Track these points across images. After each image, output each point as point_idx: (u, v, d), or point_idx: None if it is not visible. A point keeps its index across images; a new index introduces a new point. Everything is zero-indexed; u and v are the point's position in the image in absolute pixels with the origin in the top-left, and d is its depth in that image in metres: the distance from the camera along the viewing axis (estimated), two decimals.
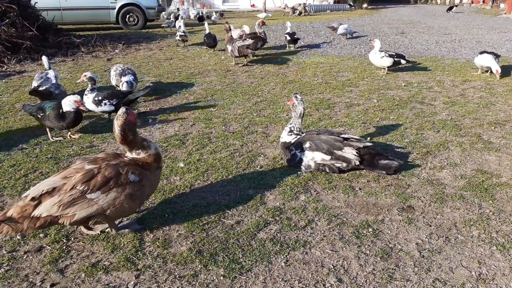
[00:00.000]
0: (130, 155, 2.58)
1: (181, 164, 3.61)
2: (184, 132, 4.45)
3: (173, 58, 9.05)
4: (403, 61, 6.91)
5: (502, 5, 23.20)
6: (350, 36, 11.76)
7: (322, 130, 3.67)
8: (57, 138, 4.28)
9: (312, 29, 14.17)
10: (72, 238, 2.60)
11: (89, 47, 10.10)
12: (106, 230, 2.64)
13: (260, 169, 3.55)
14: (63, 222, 2.29)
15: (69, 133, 4.36)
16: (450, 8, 22.01)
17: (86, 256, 2.44)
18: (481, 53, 6.73)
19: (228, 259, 2.37)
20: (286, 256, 2.42)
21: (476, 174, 3.37)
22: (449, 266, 2.31)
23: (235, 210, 2.91)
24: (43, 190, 2.25)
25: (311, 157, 3.42)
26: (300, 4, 21.89)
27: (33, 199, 2.25)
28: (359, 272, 2.27)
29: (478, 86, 6.16)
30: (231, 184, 3.28)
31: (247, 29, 10.06)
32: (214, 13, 18.34)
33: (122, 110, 2.46)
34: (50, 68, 5.65)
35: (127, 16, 14.84)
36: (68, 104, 4.10)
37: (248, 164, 3.64)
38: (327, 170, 3.42)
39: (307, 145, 3.44)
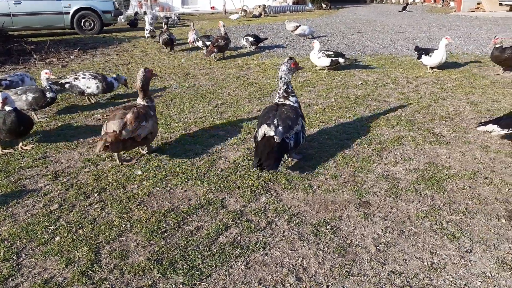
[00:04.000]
0: (141, 102, 3.82)
1: (139, 172, 3.54)
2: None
3: (131, 62, 8.88)
4: (341, 60, 7.11)
5: (452, 3, 24.29)
6: (311, 37, 11.94)
7: (287, 108, 3.55)
8: (7, 151, 4.09)
9: (272, 30, 14.30)
10: (23, 255, 2.49)
11: (42, 53, 9.73)
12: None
13: (221, 173, 3.53)
14: (137, 140, 3.57)
15: (21, 144, 4.18)
16: (404, 8, 22.81)
17: (38, 273, 2.34)
18: (429, 52, 7.02)
19: (187, 266, 2.35)
20: (246, 258, 2.42)
21: (428, 167, 3.51)
22: (403, 258, 2.39)
23: (195, 215, 2.88)
24: (119, 126, 3.44)
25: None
26: (259, 6, 22.03)
27: (119, 132, 3.42)
28: (317, 270, 2.30)
29: (430, 82, 6.42)
30: (191, 190, 3.25)
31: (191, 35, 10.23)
32: (173, 15, 18.37)
33: (141, 69, 3.83)
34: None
35: (83, 20, 14.42)
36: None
37: (208, 168, 3.62)
38: None
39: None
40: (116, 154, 3.73)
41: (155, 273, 2.30)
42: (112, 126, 3.46)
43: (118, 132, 3.41)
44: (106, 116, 3.60)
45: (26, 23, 13.65)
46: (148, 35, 11.90)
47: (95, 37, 13.74)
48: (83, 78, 5.61)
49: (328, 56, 7.08)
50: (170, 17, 17.77)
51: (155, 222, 2.79)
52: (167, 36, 9.98)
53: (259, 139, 3.36)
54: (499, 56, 6.53)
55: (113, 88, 5.81)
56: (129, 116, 3.52)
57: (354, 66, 7.72)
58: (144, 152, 3.96)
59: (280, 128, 3.32)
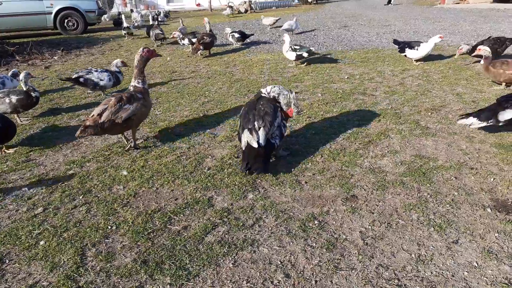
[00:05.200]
0: (133, 82, 3.99)
1: (124, 172, 3.49)
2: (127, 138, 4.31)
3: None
4: (305, 54, 7.28)
5: None
6: (297, 32, 11.95)
7: (264, 103, 3.49)
8: None
9: (258, 26, 14.25)
10: (7, 261, 2.44)
11: (24, 55, 9.56)
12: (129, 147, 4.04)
13: (208, 171, 3.50)
14: (118, 122, 3.69)
15: (3, 148, 4.09)
16: (389, 1, 22.91)
17: (23, 278, 2.29)
18: (414, 46, 7.08)
19: (175, 267, 2.32)
20: (234, 257, 2.40)
21: (415, 159, 3.52)
22: (391, 251, 2.39)
23: (182, 215, 2.85)
24: (100, 110, 3.67)
25: None
26: (245, 2, 21.93)
27: (98, 115, 3.63)
28: (305, 266, 2.30)
29: (416, 75, 6.45)
30: (178, 189, 3.22)
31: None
32: (162, 12, 18.29)
33: (141, 48, 3.99)
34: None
35: (66, 20, 14.21)
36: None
37: (195, 167, 3.59)
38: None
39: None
40: (123, 136, 4.11)
41: (142, 275, 2.27)
42: (95, 111, 3.70)
43: (97, 115, 3.63)
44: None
45: (7, 24, 13.40)
46: (124, 32, 12.60)
47: (79, 37, 13.55)
48: (95, 71, 5.76)
49: (294, 50, 7.32)
50: (159, 14, 17.77)
51: (141, 223, 2.75)
52: (159, 31, 11.01)
53: (243, 148, 3.33)
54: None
55: (119, 81, 6.01)
56: (112, 101, 3.72)
57: (341, 60, 7.74)
58: (127, 147, 4.02)
59: (262, 129, 3.28)
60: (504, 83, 5.37)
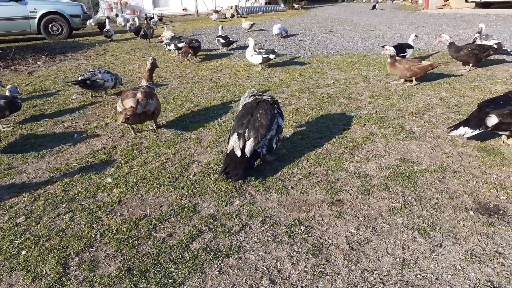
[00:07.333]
0: (145, 83, 4.58)
1: (109, 179, 3.45)
2: (112, 144, 4.27)
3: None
4: (271, 56, 7.51)
5: (420, 1, 24.88)
6: (285, 35, 12.03)
7: (262, 112, 3.50)
8: None
9: (245, 31, 14.28)
10: None
11: (7, 60, 9.40)
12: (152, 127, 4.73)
13: (194, 177, 3.48)
14: (148, 114, 4.36)
15: None
16: (374, 6, 23.22)
17: None
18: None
19: (159, 275, 2.30)
20: (219, 264, 2.39)
21: (399, 163, 3.56)
22: (376, 255, 2.40)
23: (167, 222, 2.82)
24: (133, 102, 4.19)
25: None
26: (232, 7, 21.97)
27: (132, 107, 4.19)
28: (291, 272, 2.29)
29: (400, 79, 6.52)
30: (163, 196, 3.19)
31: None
32: (155, 16, 18.20)
33: (150, 57, 4.68)
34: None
35: (50, 25, 14.03)
36: None
37: (181, 173, 3.56)
38: None
39: None
40: (130, 127, 4.52)
41: (126, 284, 2.24)
42: (128, 103, 4.20)
43: (135, 107, 4.17)
44: (120, 96, 4.39)
45: None
46: (110, 34, 13.16)
47: (63, 42, 13.40)
48: (99, 72, 5.92)
49: (259, 53, 7.50)
50: (152, 17, 17.70)
51: (126, 231, 2.72)
52: (143, 32, 12.27)
53: (228, 151, 3.35)
54: (453, 54, 6.76)
55: (116, 84, 6.17)
56: (139, 95, 4.27)
57: (326, 65, 7.80)
58: (151, 127, 4.72)
59: (251, 140, 3.30)
60: (406, 78, 6.06)
